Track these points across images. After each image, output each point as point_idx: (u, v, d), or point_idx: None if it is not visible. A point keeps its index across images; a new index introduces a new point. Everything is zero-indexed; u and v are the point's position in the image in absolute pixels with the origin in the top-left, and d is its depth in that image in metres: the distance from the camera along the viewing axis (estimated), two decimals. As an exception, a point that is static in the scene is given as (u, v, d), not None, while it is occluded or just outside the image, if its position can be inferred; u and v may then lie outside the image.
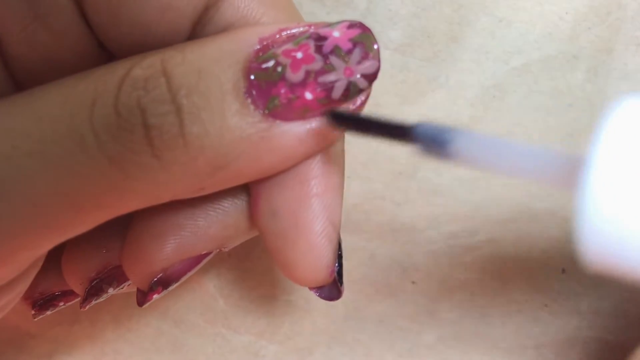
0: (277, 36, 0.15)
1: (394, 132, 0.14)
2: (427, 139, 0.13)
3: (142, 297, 0.17)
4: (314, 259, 0.16)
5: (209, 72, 0.15)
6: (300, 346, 0.24)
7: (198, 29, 0.16)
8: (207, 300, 0.24)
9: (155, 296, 0.17)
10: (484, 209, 0.24)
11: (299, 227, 0.16)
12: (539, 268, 0.24)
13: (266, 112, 0.15)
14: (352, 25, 0.16)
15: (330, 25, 0.16)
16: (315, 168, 0.16)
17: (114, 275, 0.18)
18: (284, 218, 0.16)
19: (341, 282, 0.18)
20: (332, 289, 0.18)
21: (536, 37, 0.23)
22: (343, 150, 0.17)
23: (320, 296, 0.18)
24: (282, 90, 0.15)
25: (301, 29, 0.16)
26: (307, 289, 0.18)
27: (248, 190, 0.17)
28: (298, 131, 0.15)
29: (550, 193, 0.24)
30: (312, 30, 0.16)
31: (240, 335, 0.24)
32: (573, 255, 0.24)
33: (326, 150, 0.16)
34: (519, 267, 0.24)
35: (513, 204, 0.24)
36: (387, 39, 0.23)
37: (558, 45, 0.23)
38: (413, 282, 0.24)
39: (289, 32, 0.16)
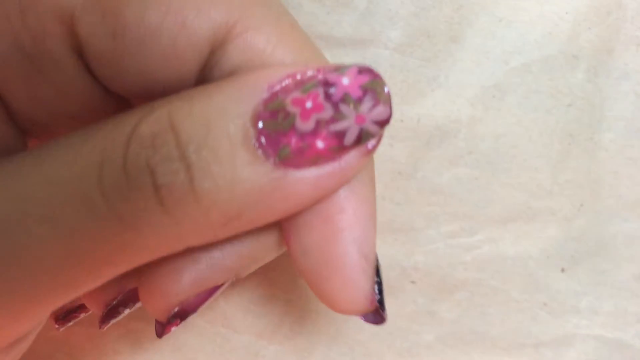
0: (285, 82, 0.15)
1: None
2: None
3: (161, 329, 0.17)
4: (350, 292, 0.16)
5: (218, 123, 0.14)
6: (300, 346, 0.24)
7: (206, 71, 0.16)
8: (207, 300, 0.24)
9: (174, 328, 0.17)
10: (484, 209, 0.24)
11: (330, 264, 0.16)
12: (538, 268, 0.24)
13: (277, 160, 0.14)
14: (362, 70, 0.15)
15: (338, 69, 0.15)
16: (337, 203, 0.16)
17: (129, 298, 0.18)
18: (315, 256, 0.16)
19: (383, 309, 0.17)
20: (375, 315, 0.17)
21: (536, 37, 0.23)
22: (372, 178, 0.17)
23: (366, 321, 0.18)
24: (293, 140, 0.14)
25: (309, 74, 0.15)
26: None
27: None
28: (311, 177, 0.15)
29: (550, 193, 0.24)
30: (320, 76, 0.15)
31: (240, 335, 0.24)
32: (572, 255, 0.24)
33: (349, 182, 0.16)
34: (519, 266, 0.24)
35: (513, 204, 0.24)
36: (387, 39, 0.23)
37: (558, 45, 0.23)
38: (413, 282, 0.24)
39: (297, 77, 0.15)
